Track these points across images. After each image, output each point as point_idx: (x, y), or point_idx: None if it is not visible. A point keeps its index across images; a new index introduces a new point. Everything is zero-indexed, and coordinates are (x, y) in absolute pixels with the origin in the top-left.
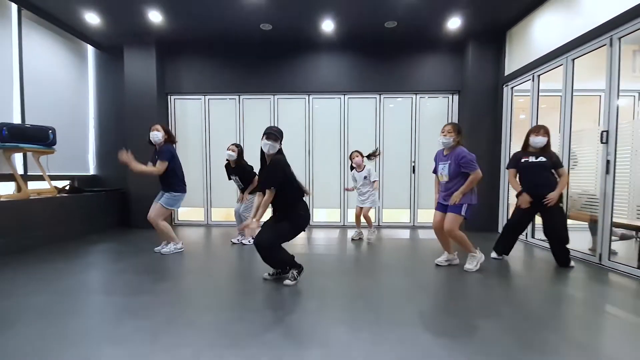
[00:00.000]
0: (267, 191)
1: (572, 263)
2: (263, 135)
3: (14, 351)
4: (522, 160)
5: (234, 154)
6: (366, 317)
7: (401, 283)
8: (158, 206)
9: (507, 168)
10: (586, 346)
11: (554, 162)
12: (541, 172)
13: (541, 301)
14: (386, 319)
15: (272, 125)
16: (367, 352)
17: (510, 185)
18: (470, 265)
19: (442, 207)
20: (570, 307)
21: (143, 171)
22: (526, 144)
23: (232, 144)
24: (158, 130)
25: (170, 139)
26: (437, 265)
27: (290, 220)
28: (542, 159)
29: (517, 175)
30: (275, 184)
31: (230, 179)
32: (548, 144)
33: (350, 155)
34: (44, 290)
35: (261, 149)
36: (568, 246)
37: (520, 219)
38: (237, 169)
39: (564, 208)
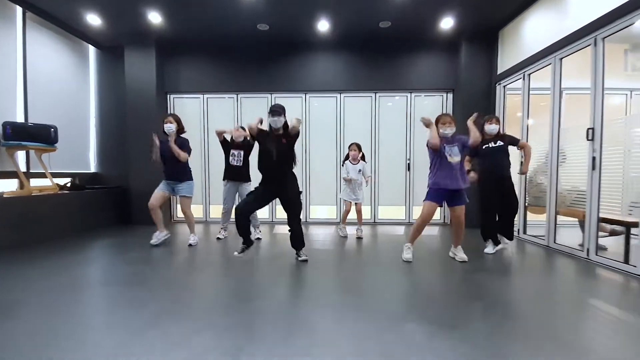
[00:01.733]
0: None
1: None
2: (269, 113)
3: (18, 339)
4: (483, 147)
5: (173, 125)
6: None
7: (397, 278)
8: (183, 199)
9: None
10: (565, 337)
11: (510, 141)
12: (501, 154)
13: (525, 293)
14: (377, 311)
15: (275, 104)
16: (354, 344)
17: None
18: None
19: (443, 196)
20: (555, 299)
21: (176, 151)
22: (482, 132)
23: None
24: (171, 122)
25: (181, 129)
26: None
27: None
28: (500, 143)
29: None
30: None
31: (230, 157)
32: (499, 130)
33: (350, 146)
34: (48, 282)
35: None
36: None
37: (497, 202)
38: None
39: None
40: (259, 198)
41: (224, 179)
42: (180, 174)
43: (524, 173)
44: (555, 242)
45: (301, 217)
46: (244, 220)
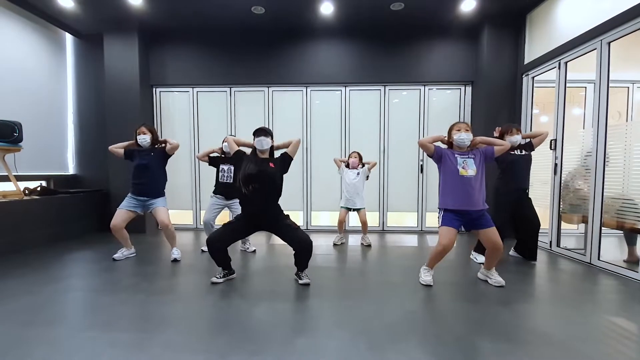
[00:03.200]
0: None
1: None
2: (254, 134)
3: None
4: (510, 152)
5: (148, 137)
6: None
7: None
8: (161, 210)
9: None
10: None
11: (530, 151)
12: (526, 165)
13: (574, 329)
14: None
15: (262, 126)
16: None
17: None
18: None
19: (462, 222)
20: (615, 338)
21: (173, 144)
22: None
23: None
24: (145, 133)
25: (156, 140)
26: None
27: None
28: (524, 152)
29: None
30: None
31: (220, 173)
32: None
33: (352, 153)
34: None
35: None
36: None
37: (524, 213)
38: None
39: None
40: (238, 230)
41: (213, 192)
42: (159, 186)
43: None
44: (599, 259)
45: (302, 224)
46: (218, 253)
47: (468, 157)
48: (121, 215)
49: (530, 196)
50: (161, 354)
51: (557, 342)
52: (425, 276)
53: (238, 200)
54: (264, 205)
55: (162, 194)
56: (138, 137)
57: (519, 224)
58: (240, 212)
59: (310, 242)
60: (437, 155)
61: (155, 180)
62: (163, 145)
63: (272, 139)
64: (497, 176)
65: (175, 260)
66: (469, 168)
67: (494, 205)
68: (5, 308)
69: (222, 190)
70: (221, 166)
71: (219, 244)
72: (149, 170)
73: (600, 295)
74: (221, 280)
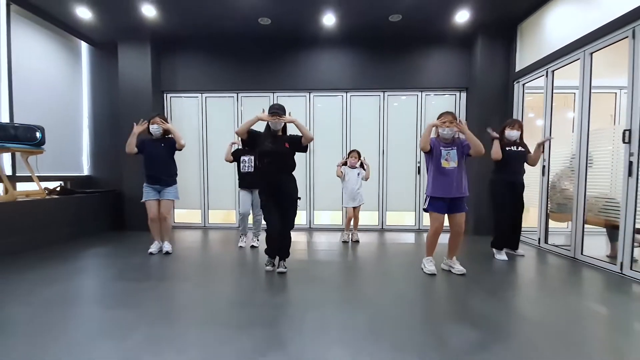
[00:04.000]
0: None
1: (522, 251)
2: (269, 114)
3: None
4: (507, 148)
5: (161, 127)
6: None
7: (403, 289)
8: (168, 202)
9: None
10: None
11: (528, 150)
12: (521, 161)
13: (556, 314)
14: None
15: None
16: None
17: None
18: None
19: (446, 207)
20: (591, 322)
21: (174, 131)
22: (502, 138)
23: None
24: (158, 124)
25: (166, 131)
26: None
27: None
28: (520, 149)
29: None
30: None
31: (242, 164)
32: (521, 137)
33: (351, 152)
34: (29, 299)
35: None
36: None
37: (509, 206)
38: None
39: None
40: (274, 209)
41: (239, 187)
42: (170, 174)
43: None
44: (582, 254)
45: (305, 223)
46: (276, 243)
47: (451, 149)
48: (154, 205)
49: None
50: (187, 329)
51: (535, 322)
52: (429, 266)
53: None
54: (278, 176)
55: (173, 182)
56: (151, 126)
57: (510, 213)
58: (259, 188)
59: (290, 229)
60: (431, 150)
61: (168, 169)
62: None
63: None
64: (492, 169)
65: (167, 253)
66: (451, 160)
67: (490, 197)
68: (40, 296)
69: (245, 181)
70: (242, 158)
71: (279, 226)
72: (160, 159)
73: (580, 285)
74: (271, 268)
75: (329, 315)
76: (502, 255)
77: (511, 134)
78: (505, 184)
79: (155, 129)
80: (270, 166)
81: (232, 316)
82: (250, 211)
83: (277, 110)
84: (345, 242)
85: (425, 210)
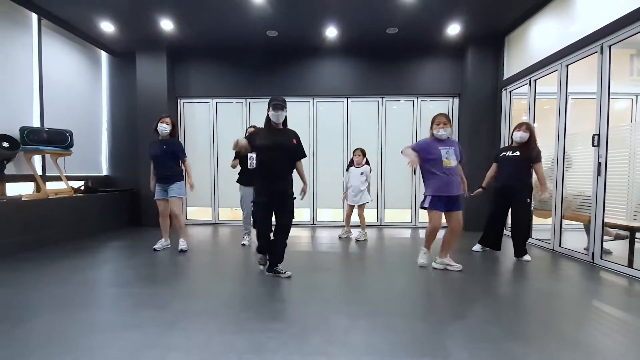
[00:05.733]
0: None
1: (528, 257)
2: (270, 107)
3: (38, 338)
4: (501, 154)
5: (168, 128)
6: (364, 309)
7: (399, 280)
8: (175, 200)
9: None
10: (570, 338)
11: (530, 157)
12: (513, 165)
13: (530, 296)
14: (382, 310)
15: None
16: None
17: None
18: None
19: (445, 205)
20: (560, 301)
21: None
22: (511, 139)
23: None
24: (167, 124)
25: (174, 133)
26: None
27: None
28: (517, 153)
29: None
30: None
31: (249, 161)
32: (530, 140)
33: (355, 151)
34: (65, 283)
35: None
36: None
37: (497, 210)
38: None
39: (530, 204)
40: (268, 208)
41: (244, 184)
42: (174, 174)
43: (543, 198)
44: (560, 246)
45: (308, 220)
46: (266, 241)
47: (450, 148)
48: (161, 204)
49: (527, 199)
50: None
51: (508, 300)
52: (422, 259)
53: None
54: (282, 173)
55: (178, 179)
56: (160, 124)
57: (513, 224)
58: (255, 186)
59: (289, 229)
60: (421, 154)
61: (171, 167)
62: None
63: (286, 110)
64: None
65: (182, 251)
66: (451, 158)
67: (492, 197)
68: (76, 279)
69: (249, 178)
70: (249, 155)
71: (268, 223)
72: (160, 160)
73: (554, 272)
74: (264, 267)
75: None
76: (477, 247)
77: (515, 135)
78: (496, 188)
79: (163, 128)
80: (272, 161)
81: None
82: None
83: (280, 103)
84: (341, 238)
85: (423, 208)
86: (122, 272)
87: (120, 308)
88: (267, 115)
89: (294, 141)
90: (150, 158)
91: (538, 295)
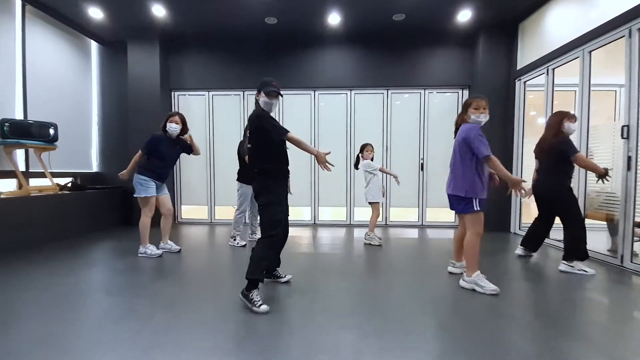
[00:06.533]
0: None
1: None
2: (264, 93)
3: (14, 348)
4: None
5: (179, 128)
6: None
7: (410, 287)
8: (168, 197)
9: (576, 153)
10: (610, 355)
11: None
12: (541, 165)
13: (561, 305)
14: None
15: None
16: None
17: (588, 169)
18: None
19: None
20: (593, 312)
21: (196, 148)
22: (560, 130)
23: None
24: (177, 123)
25: (185, 130)
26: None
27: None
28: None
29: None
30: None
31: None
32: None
33: (366, 148)
34: (45, 288)
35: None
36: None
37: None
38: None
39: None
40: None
41: (245, 182)
42: (168, 173)
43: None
44: None
45: (309, 219)
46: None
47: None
48: (158, 200)
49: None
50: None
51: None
52: (488, 284)
53: None
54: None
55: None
56: (169, 124)
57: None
58: (274, 178)
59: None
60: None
61: (171, 167)
62: (187, 140)
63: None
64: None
65: (174, 252)
66: None
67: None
68: (57, 286)
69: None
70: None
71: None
72: (170, 160)
73: (583, 277)
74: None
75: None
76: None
77: (573, 127)
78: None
79: (173, 128)
80: (285, 155)
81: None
82: (249, 207)
83: (276, 90)
84: (379, 245)
85: (469, 212)
86: (106, 279)
87: (95, 322)
88: (257, 101)
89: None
90: (157, 156)
91: (569, 305)
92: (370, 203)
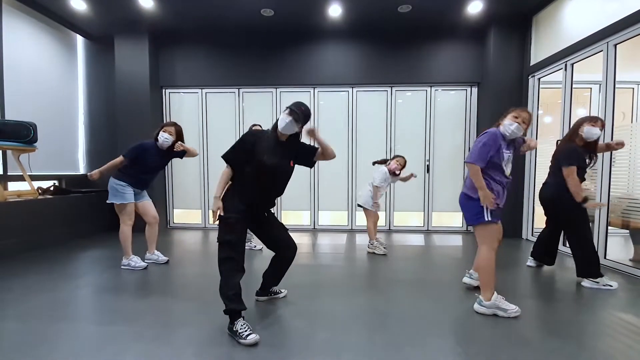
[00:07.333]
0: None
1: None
2: (290, 113)
3: None
4: (585, 159)
5: (171, 139)
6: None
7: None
8: (150, 203)
9: (569, 166)
10: None
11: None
12: (552, 168)
13: (585, 327)
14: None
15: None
16: None
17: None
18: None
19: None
20: (622, 333)
21: (192, 151)
22: (575, 135)
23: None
24: (170, 134)
25: (180, 139)
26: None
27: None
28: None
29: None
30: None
31: None
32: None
33: (396, 160)
34: (25, 305)
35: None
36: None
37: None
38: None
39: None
40: (244, 231)
41: None
42: (151, 181)
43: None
44: (605, 258)
45: (309, 224)
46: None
47: (511, 153)
48: (138, 208)
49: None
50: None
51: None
52: (509, 306)
53: None
54: (269, 203)
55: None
56: (162, 133)
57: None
58: (234, 200)
59: (296, 249)
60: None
61: (154, 176)
62: (178, 149)
63: (301, 127)
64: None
65: (167, 262)
66: (509, 166)
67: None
68: (27, 305)
69: None
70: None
71: (241, 263)
72: (155, 171)
73: (610, 293)
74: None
75: None
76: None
77: (593, 131)
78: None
79: (165, 138)
80: (266, 189)
81: None
82: None
83: (296, 111)
84: (384, 254)
85: (479, 222)
86: (80, 297)
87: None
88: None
89: (291, 163)
90: (142, 163)
91: (593, 325)
92: (359, 206)
